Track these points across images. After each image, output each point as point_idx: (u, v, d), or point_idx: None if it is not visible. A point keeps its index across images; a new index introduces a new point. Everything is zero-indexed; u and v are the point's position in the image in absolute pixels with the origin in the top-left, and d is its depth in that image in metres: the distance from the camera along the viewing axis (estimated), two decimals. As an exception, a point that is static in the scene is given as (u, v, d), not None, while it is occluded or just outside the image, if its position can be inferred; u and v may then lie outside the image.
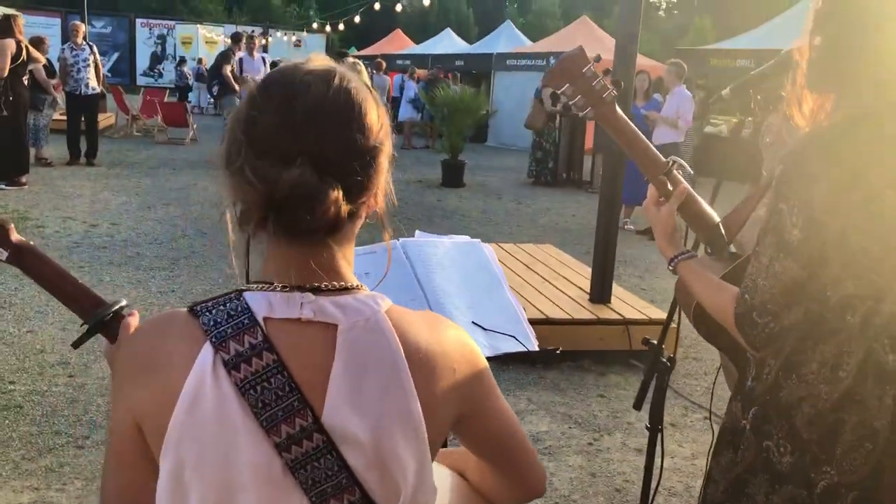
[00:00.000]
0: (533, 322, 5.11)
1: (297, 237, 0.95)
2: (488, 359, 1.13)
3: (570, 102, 1.68)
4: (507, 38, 21.29)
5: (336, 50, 11.53)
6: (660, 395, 2.16)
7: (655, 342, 2.15)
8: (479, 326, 1.91)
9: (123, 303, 1.33)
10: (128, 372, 0.96)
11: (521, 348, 1.93)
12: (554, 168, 12.84)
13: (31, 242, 1.35)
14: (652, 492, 2.22)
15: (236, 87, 11.92)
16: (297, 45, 30.33)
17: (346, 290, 0.99)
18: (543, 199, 11.41)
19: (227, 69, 12.06)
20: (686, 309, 1.83)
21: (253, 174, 0.90)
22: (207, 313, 0.94)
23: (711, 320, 1.65)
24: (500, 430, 1.09)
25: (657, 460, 2.14)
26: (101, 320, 1.29)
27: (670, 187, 1.71)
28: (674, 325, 2.13)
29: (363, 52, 24.23)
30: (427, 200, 10.68)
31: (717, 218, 1.80)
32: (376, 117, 0.98)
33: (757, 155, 10.11)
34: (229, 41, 13.44)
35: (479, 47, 21.65)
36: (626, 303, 5.34)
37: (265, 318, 0.94)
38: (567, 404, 4.37)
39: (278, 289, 0.96)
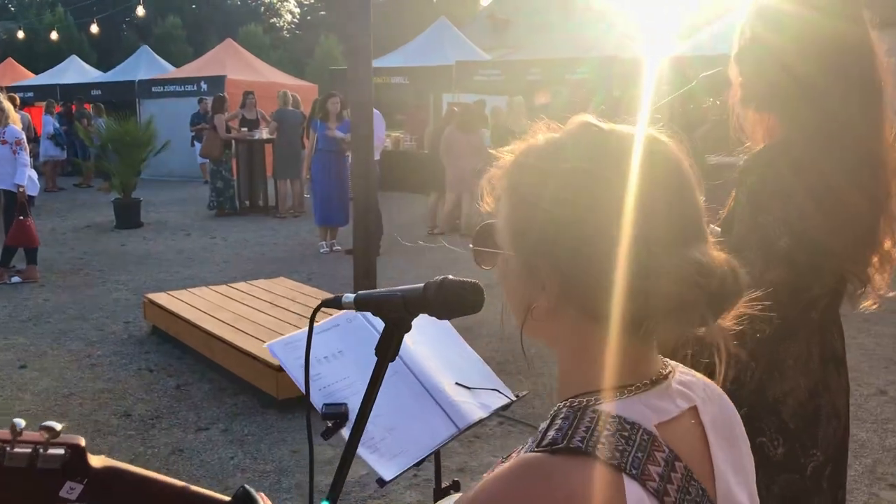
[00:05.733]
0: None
1: None
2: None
3: None
4: (147, 64, 19.96)
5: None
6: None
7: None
8: (464, 386, 1.75)
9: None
10: None
11: (505, 400, 1.81)
12: (234, 196, 12.34)
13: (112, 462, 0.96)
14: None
15: None
16: None
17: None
18: (235, 230, 10.89)
19: None
20: None
21: (696, 270, 0.77)
22: (600, 444, 0.76)
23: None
24: None
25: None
26: None
27: None
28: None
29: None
30: (110, 247, 9.59)
31: None
32: None
33: (438, 167, 10.76)
34: None
35: (118, 74, 19.98)
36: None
37: (656, 426, 0.81)
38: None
39: (643, 389, 0.84)
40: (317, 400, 1.52)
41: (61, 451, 0.89)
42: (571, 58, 13.36)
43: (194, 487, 1.01)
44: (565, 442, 0.76)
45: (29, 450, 0.88)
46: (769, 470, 1.62)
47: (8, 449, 0.88)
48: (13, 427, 0.88)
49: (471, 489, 0.78)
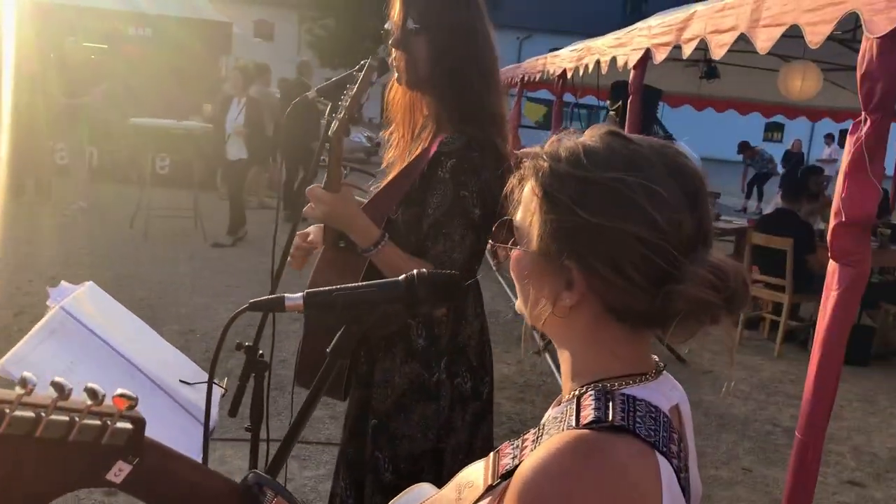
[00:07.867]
0: None
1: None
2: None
3: None
4: None
5: None
6: (259, 394, 2.16)
7: (249, 345, 2.11)
8: (187, 383, 1.54)
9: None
10: None
11: (221, 391, 1.64)
12: None
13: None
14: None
15: None
16: None
17: None
18: None
19: None
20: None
21: (714, 274, 0.85)
22: (637, 423, 0.84)
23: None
24: None
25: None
26: None
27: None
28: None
29: None
30: None
31: None
32: None
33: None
34: None
35: None
36: None
37: (668, 410, 0.90)
38: None
39: (653, 378, 0.93)
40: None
41: (128, 425, 0.78)
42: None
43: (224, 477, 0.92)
44: (609, 421, 0.84)
45: (99, 422, 0.76)
46: (463, 404, 1.87)
47: (78, 419, 0.74)
48: (92, 393, 0.74)
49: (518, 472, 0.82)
